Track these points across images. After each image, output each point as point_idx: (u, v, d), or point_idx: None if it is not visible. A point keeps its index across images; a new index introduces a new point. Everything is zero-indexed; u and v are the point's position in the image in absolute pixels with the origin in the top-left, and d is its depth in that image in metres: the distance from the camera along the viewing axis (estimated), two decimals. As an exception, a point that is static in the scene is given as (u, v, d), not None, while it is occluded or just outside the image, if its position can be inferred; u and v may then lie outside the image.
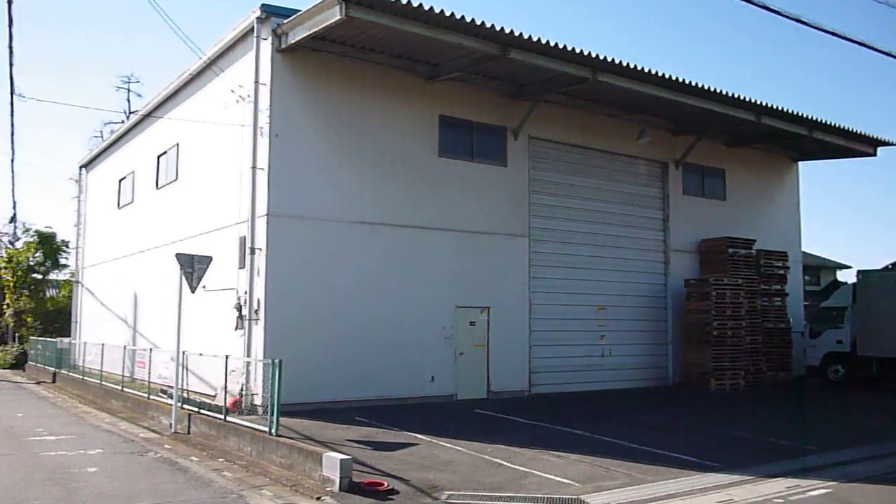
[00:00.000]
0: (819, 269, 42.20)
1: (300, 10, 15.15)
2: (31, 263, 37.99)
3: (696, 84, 18.44)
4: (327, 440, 12.01)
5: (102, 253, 27.70)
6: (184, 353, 15.46)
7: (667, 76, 17.78)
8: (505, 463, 11.21)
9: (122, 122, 37.86)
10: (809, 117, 21.45)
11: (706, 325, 21.54)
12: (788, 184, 26.87)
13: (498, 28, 15.10)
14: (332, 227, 16.45)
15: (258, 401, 14.43)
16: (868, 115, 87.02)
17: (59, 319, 35.99)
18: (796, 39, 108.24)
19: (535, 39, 15.62)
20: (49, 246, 38.63)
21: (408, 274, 17.38)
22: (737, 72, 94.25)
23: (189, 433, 14.56)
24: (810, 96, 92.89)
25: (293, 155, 16.03)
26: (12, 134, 27.98)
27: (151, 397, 17.25)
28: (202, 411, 14.65)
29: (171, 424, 15.03)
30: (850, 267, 43.73)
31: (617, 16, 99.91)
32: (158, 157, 22.30)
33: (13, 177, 53.30)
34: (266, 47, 16.04)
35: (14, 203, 60.06)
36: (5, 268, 38.70)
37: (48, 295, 39.67)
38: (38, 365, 29.72)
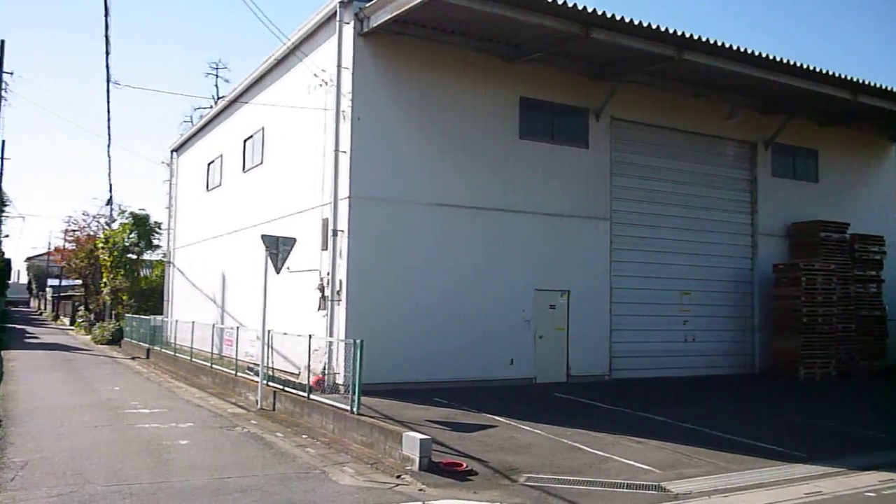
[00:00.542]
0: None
1: (382, -6, 15.25)
2: (127, 244, 39.65)
3: (787, 61, 17.72)
4: (407, 420, 12.18)
5: (192, 234, 28.68)
6: (269, 332, 15.90)
7: (756, 53, 17.15)
8: (584, 447, 11.16)
9: (211, 107, 38.98)
10: (910, 95, 20.39)
11: (795, 312, 20.83)
12: (885, 165, 25.64)
13: (580, 7, 14.85)
14: (412, 209, 16.59)
15: (340, 380, 14.74)
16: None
17: (152, 298, 37.48)
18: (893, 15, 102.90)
19: (618, 18, 15.30)
20: (143, 227, 40.25)
21: (488, 257, 17.40)
22: (828, 48, 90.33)
23: (274, 409, 14.99)
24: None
25: (375, 138, 16.21)
26: (108, 120, 29.38)
27: (238, 374, 17.82)
28: (286, 389, 15.05)
29: (257, 401, 15.51)
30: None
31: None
32: (245, 141, 22.89)
33: (109, 161, 55.62)
34: (348, 31, 16.22)
35: (110, 186, 62.85)
36: (102, 248, 40.55)
37: (142, 274, 41.36)
38: (133, 341, 31.03)
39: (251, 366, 17.71)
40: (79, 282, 55.88)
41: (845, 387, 19.72)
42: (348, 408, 12.37)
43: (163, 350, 25.73)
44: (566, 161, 18.75)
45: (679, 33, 16.01)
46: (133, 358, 28.28)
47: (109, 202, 41.92)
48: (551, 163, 18.51)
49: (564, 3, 14.64)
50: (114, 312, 39.47)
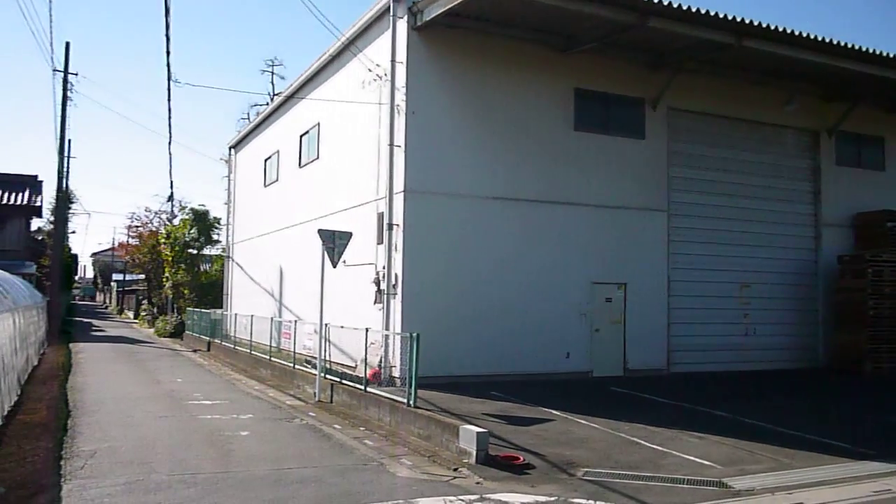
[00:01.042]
0: None
1: (435, -12, 15.25)
2: (187, 239, 40.53)
3: (852, 46, 17.15)
4: (463, 413, 12.20)
5: (250, 229, 29.18)
6: (326, 325, 16.09)
7: (819, 38, 16.65)
8: (642, 442, 11.03)
9: (267, 104, 39.52)
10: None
11: (861, 305, 20.21)
12: (958, 151, 24.64)
13: (636, -4, 14.64)
14: (467, 202, 16.58)
15: (396, 373, 14.84)
16: None
17: (212, 292, 38.27)
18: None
19: (675, 6, 15.01)
20: (203, 223, 41.09)
21: (543, 249, 17.31)
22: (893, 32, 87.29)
23: (332, 402, 15.18)
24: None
25: (429, 132, 16.24)
26: (169, 118, 29.86)
27: (296, 367, 18.09)
28: (343, 381, 15.22)
29: (314, 393, 15.72)
30: None
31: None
32: (301, 137, 23.18)
33: (170, 158, 56.91)
34: (402, 26, 16.27)
35: (171, 183, 64.31)
36: (164, 243, 41.55)
37: (202, 269, 42.25)
38: (194, 334, 31.74)
39: (309, 358, 17.96)
40: (142, 276, 57.37)
41: (915, 382, 19.10)
42: (405, 401, 12.45)
43: (223, 343, 26.26)
44: (622, 152, 18.51)
45: (738, 20, 15.64)
46: (194, 350, 28.92)
47: (171, 198, 42.93)
48: (607, 154, 18.30)
49: (620, -9, 14.43)
50: (175, 306, 40.42)
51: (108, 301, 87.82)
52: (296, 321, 19.65)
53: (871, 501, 8.44)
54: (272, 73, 51.10)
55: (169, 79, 34.86)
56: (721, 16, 15.45)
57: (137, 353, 27.41)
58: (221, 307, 32.24)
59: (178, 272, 40.07)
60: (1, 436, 10.70)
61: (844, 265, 21.00)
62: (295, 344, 18.89)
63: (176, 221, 42.40)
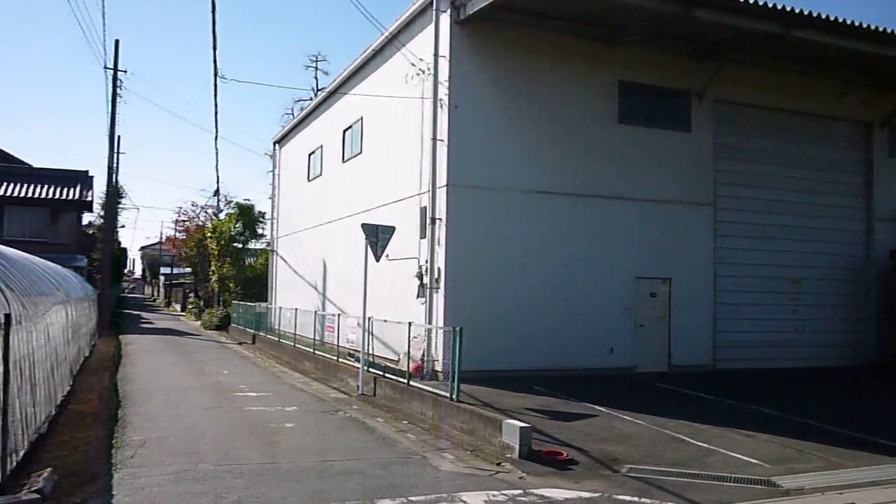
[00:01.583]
0: None
1: (478, -19, 15.19)
2: (233, 233, 41.08)
3: (906, 35, 16.66)
4: (506, 408, 12.18)
5: (294, 223, 29.47)
6: (369, 319, 16.19)
7: (870, 27, 16.19)
8: (688, 439, 10.89)
9: (311, 99, 39.85)
10: None
11: (915, 301, 19.68)
12: None
13: (682, -14, 14.40)
14: (511, 196, 16.52)
15: (439, 367, 14.88)
16: None
17: (256, 285, 38.76)
18: None
19: (722, -4, 14.76)
20: (248, 217, 41.61)
21: (586, 244, 17.18)
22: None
23: (375, 395, 15.28)
24: None
25: (472, 126, 16.21)
26: (216, 114, 30.33)
27: (340, 360, 18.24)
28: (386, 375, 15.30)
29: (358, 386, 15.84)
30: None
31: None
32: (344, 132, 23.32)
33: (216, 154, 57.61)
34: (445, 20, 16.24)
35: (217, 178, 65.09)
36: (210, 237, 42.18)
37: (247, 262, 42.80)
38: (240, 327, 32.20)
39: (352, 352, 18.10)
40: (189, 270, 58.39)
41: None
42: (448, 395, 12.48)
43: (267, 336, 26.61)
44: (667, 145, 18.27)
45: (788, 9, 15.28)
46: (240, 343, 29.35)
47: (217, 193, 43.54)
48: (652, 147, 18.07)
49: (666, -18, 14.22)
50: (221, 299, 41.03)
51: (155, 294, 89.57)
52: (339, 315, 19.81)
53: (926, 503, 8.23)
54: (316, 68, 51.55)
55: (215, 75, 35.45)
56: (769, 5, 15.11)
57: (185, 346, 27.91)
58: (266, 300, 32.63)
59: (224, 266, 40.65)
60: (54, 424, 10.99)
61: (897, 260, 20.46)
62: (338, 337, 19.05)
63: (222, 216, 43.01)
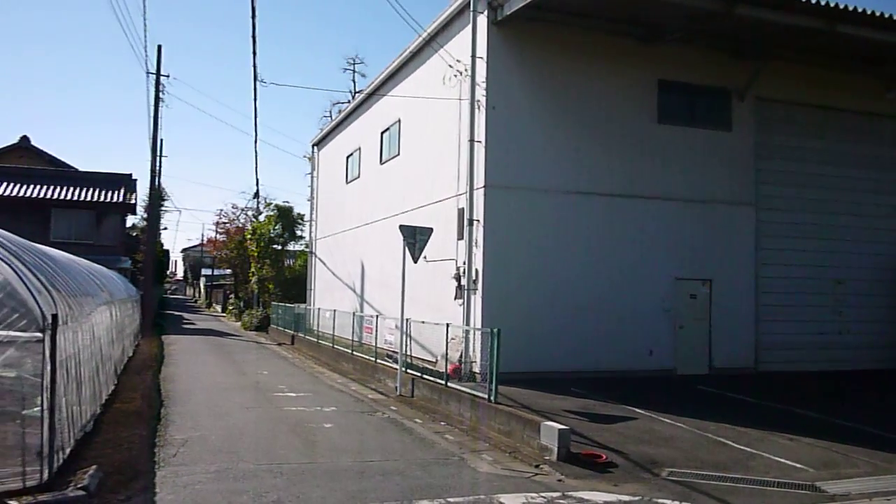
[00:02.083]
0: None
1: (515, -18, 15.15)
2: (272, 235, 41.57)
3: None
4: (544, 409, 12.11)
5: (333, 225, 29.68)
6: (407, 320, 16.23)
7: (919, 22, 15.79)
8: (730, 442, 10.73)
9: (349, 101, 40.11)
10: None
11: (966, 303, 19.14)
12: None
13: (723, -17, 14.20)
14: (548, 197, 16.45)
15: (476, 368, 14.85)
16: None
17: (295, 286, 39.14)
18: None
19: (763, -8, 14.52)
20: (287, 219, 42.06)
21: (625, 244, 17.03)
22: None
23: (412, 396, 15.31)
24: None
25: (510, 127, 16.17)
26: (255, 117, 30.58)
27: (378, 361, 18.32)
28: (424, 376, 15.33)
29: (396, 387, 15.90)
30: None
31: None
32: (382, 134, 23.43)
33: (256, 157, 58.31)
34: (482, 21, 16.23)
35: (257, 181, 66.12)
36: (250, 239, 42.72)
37: (286, 264, 43.25)
38: (279, 328, 32.53)
39: (390, 353, 18.16)
40: (229, 271, 59.19)
41: None
42: (486, 396, 12.46)
43: (306, 336, 26.83)
44: (707, 145, 18.03)
45: (832, 4, 14.98)
46: (279, 344, 29.64)
47: (256, 195, 44.18)
48: (692, 147, 17.86)
49: (705, -21, 14.04)
50: (261, 300, 41.51)
51: (197, 295, 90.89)
52: (377, 316, 19.89)
53: (979, 510, 8.01)
54: (353, 71, 51.88)
55: (255, 79, 35.94)
56: (812, 1, 14.84)
57: (225, 346, 28.28)
58: (305, 301, 32.91)
59: (264, 267, 41.12)
60: (99, 423, 11.19)
61: (947, 261, 19.92)
62: (376, 338, 19.14)
63: (261, 218, 43.54)
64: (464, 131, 16.56)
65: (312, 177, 34.60)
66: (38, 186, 35.09)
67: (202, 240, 75.56)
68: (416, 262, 15.78)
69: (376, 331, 19.24)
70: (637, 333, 16.96)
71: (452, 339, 15.34)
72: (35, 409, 7.91)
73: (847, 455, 10.11)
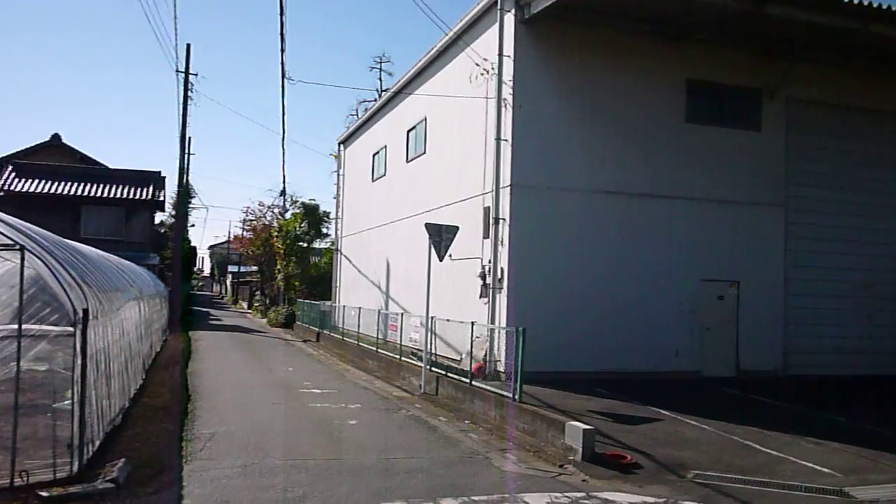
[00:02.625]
0: None
1: (543, -20, 15.11)
2: (298, 233, 41.81)
3: None
4: (568, 409, 12.08)
5: (358, 223, 29.80)
6: (432, 318, 16.26)
7: (956, 22, 15.50)
8: (756, 446, 10.63)
9: (375, 100, 40.23)
10: None
11: None
12: None
13: (753, -18, 14.04)
14: (574, 197, 16.39)
15: (501, 367, 14.84)
16: None
17: (321, 284, 39.37)
18: None
19: (795, -9, 14.33)
20: (313, 217, 42.29)
21: (651, 245, 16.92)
22: None
23: (437, 394, 15.34)
24: None
25: (536, 125, 16.13)
26: (283, 115, 30.94)
27: (402, 359, 18.37)
28: (449, 375, 15.35)
29: (420, 385, 15.93)
30: None
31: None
32: (408, 132, 23.48)
33: (283, 155, 58.80)
34: (509, 19, 16.20)
35: (284, 178, 66.48)
36: (277, 237, 43.01)
37: (312, 261, 43.49)
38: (304, 325, 32.72)
39: (414, 351, 18.21)
40: (255, 268, 59.61)
41: None
42: (510, 395, 12.45)
43: (331, 334, 26.97)
44: (737, 145, 17.85)
45: (864, 3, 14.77)
46: (304, 341, 29.81)
47: (283, 193, 44.37)
48: (720, 147, 17.69)
49: (736, -22, 13.89)
50: (286, 297, 41.76)
51: (223, 292, 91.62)
52: (402, 314, 19.95)
53: None
54: (380, 69, 51.99)
55: (283, 77, 36.21)
56: (845, 0, 14.63)
57: (251, 342, 28.51)
58: (330, 299, 33.07)
59: (290, 265, 41.37)
60: (128, 417, 11.34)
61: (982, 264, 19.52)
62: (401, 336, 19.19)
63: (288, 215, 43.80)
64: (490, 130, 16.54)
65: (338, 175, 34.74)
66: (69, 184, 35.57)
67: (229, 237, 76.21)
68: (441, 260, 15.81)
69: (401, 329, 19.29)
70: (663, 335, 16.85)
71: (477, 337, 15.34)
72: (66, 402, 8.05)
73: (876, 461, 9.98)
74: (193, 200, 51.33)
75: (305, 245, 42.68)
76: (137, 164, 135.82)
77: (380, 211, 26.41)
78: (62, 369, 8.20)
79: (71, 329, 7.95)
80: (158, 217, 44.41)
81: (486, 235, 16.64)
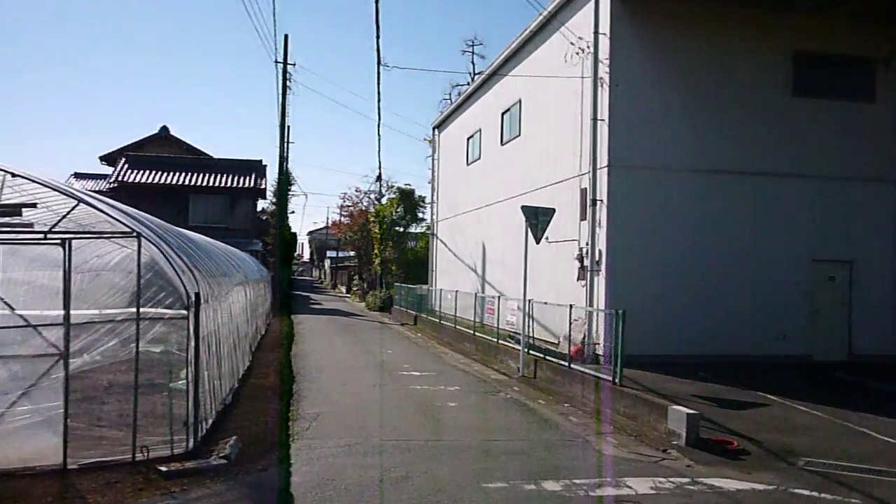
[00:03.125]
0: None
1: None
2: (394, 218, 42.34)
3: None
4: (670, 393, 11.83)
5: (453, 207, 29.92)
6: (529, 301, 16.20)
7: None
8: (872, 433, 10.16)
9: (468, 83, 40.20)
10: None
11: None
12: None
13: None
14: (674, 176, 15.97)
15: (600, 350, 14.67)
16: None
17: (417, 268, 39.78)
18: None
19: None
20: (408, 201, 42.73)
21: (757, 224, 16.33)
22: None
23: (535, 377, 15.30)
24: None
25: (634, 104, 15.78)
26: (378, 101, 31.12)
27: (500, 342, 18.40)
28: (547, 357, 15.28)
29: (518, 368, 15.92)
30: None
31: None
32: (502, 114, 23.37)
33: (379, 140, 59.49)
34: (605, -4, 15.87)
35: (379, 164, 67.28)
36: (373, 222, 43.71)
37: (408, 246, 43.99)
38: (402, 308, 33.18)
39: (511, 334, 18.20)
40: (353, 253, 60.79)
41: None
42: (610, 378, 12.30)
43: (428, 317, 27.25)
44: (847, 118, 16.98)
45: None
46: (402, 324, 30.24)
47: (378, 179, 44.97)
48: (830, 121, 16.86)
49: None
50: (384, 281, 42.43)
51: (322, 277, 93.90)
52: (499, 297, 19.95)
53: None
54: (472, 52, 51.91)
55: (379, 63, 36.19)
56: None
57: (350, 326, 29.12)
58: (426, 283, 33.39)
59: (386, 249, 41.98)
60: (237, 396, 11.80)
61: None
62: (498, 319, 19.20)
63: (384, 201, 44.42)
64: (586, 110, 16.28)
65: (433, 159, 34.93)
66: (177, 174, 37.10)
67: (327, 223, 77.95)
68: (538, 242, 15.71)
69: (498, 312, 19.30)
70: (769, 317, 16.26)
71: (575, 320, 15.20)
72: (181, 381, 8.44)
73: None
74: (293, 188, 52.71)
75: (401, 230, 43.20)
76: (237, 152, 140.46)
77: (475, 194, 26.44)
78: (176, 350, 8.61)
79: (184, 312, 8.32)
80: (260, 204, 45.87)
81: (582, 217, 16.43)
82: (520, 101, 21.57)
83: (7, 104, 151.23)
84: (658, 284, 15.67)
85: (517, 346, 16.48)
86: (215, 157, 42.30)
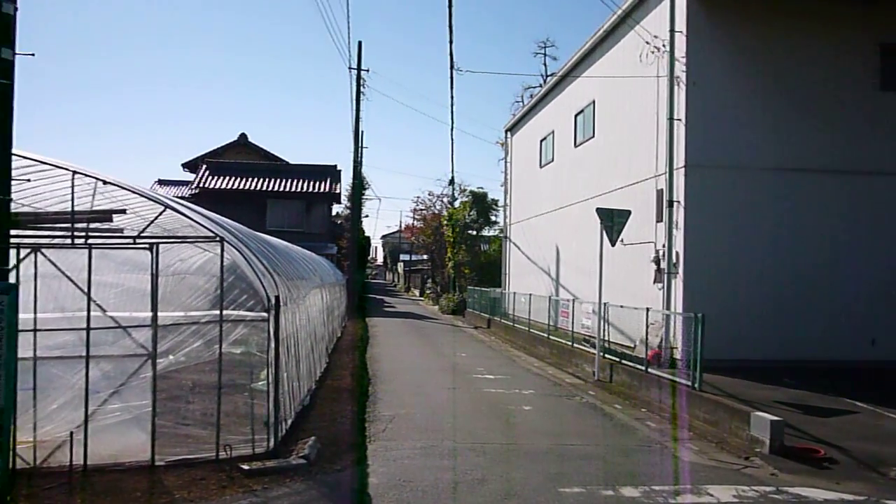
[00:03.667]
0: None
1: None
2: (467, 221, 42.40)
3: None
4: (752, 399, 11.49)
5: (526, 209, 29.80)
6: (605, 304, 16.00)
7: None
8: (972, 443, 9.66)
9: (540, 86, 39.98)
10: None
11: None
12: None
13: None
14: (755, 175, 15.54)
15: (677, 354, 14.36)
16: None
17: (490, 271, 39.75)
18: None
19: None
20: (481, 204, 42.75)
21: (843, 224, 15.75)
22: None
23: (611, 381, 15.09)
24: None
25: (711, 103, 15.43)
26: (451, 105, 31.49)
27: (574, 345, 18.21)
28: (623, 361, 15.05)
29: (593, 372, 15.74)
30: None
31: None
32: (575, 116, 23.16)
33: (452, 144, 59.84)
34: (681, -7, 15.57)
35: (452, 168, 67.73)
36: (446, 225, 43.85)
37: (481, 249, 44.00)
38: (474, 311, 33.20)
39: (587, 337, 17.99)
40: (425, 256, 61.18)
41: None
42: (688, 383, 12.04)
43: (502, 320, 27.18)
44: (941, 113, 16.22)
45: None
46: (475, 327, 30.26)
47: (451, 182, 45.15)
48: (922, 116, 16.14)
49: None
50: (457, 285, 42.55)
51: (395, 280, 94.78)
52: (573, 300, 19.76)
53: None
54: (544, 54, 51.85)
55: (451, 67, 36.60)
56: None
57: (424, 329, 29.29)
58: (499, 286, 33.34)
59: (459, 252, 42.07)
60: (314, 398, 12.01)
61: None
62: (573, 322, 19.02)
63: (456, 204, 44.53)
64: (662, 110, 16.00)
65: (506, 162, 34.88)
66: (256, 179, 38.03)
67: (400, 226, 78.61)
68: (613, 245, 15.50)
69: (572, 315, 19.12)
70: (856, 321, 15.65)
71: (652, 323, 14.93)
72: (261, 382, 8.65)
73: None
74: (366, 192, 53.41)
75: (474, 233, 43.24)
76: (311, 155, 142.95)
77: (548, 197, 26.27)
78: (257, 352, 8.83)
79: (265, 314, 8.52)
80: (335, 209, 46.56)
81: (659, 219, 16.15)
82: (593, 103, 21.34)
83: (102, 115, 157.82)
84: (737, 287, 15.27)
85: (592, 350, 16.29)
86: (291, 162, 43.18)
